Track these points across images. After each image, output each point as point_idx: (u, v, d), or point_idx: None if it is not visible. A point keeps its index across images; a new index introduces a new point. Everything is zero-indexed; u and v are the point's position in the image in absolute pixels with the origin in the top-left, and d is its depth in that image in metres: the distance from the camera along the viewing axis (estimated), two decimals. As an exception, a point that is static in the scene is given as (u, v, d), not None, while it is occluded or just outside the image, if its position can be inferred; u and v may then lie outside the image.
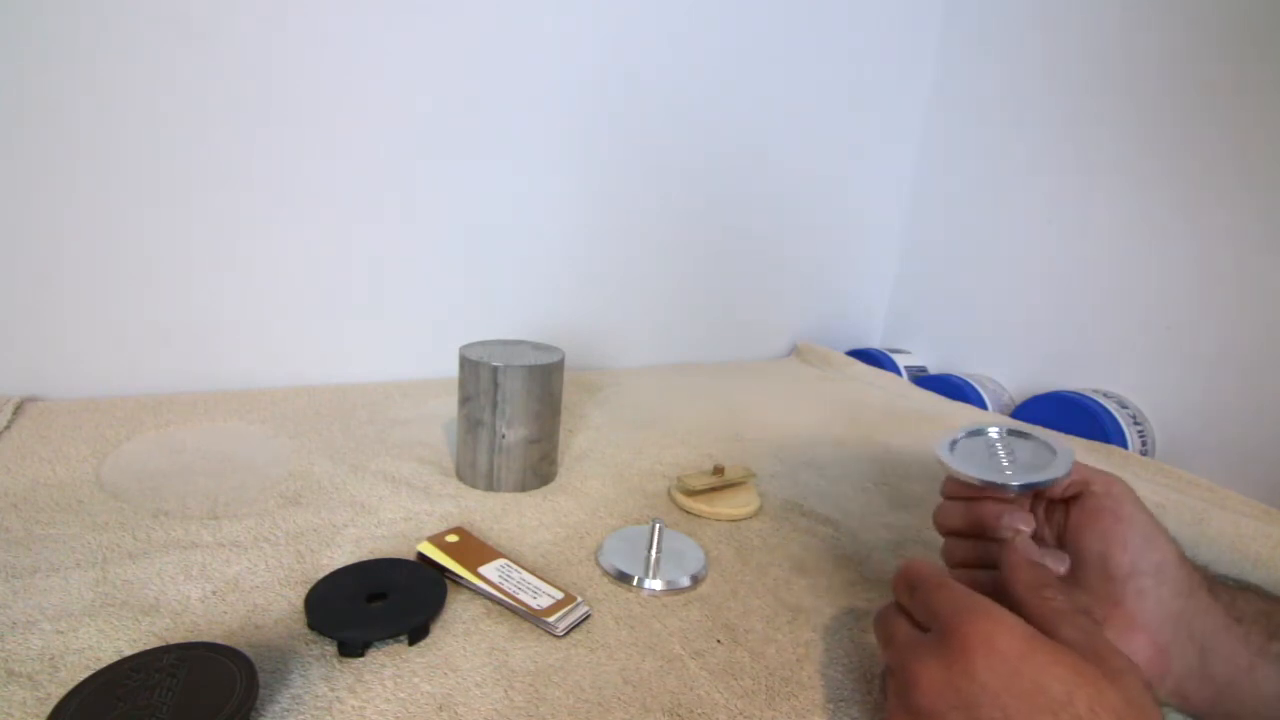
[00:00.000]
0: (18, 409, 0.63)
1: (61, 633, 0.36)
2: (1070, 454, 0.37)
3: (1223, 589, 0.36)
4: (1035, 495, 0.39)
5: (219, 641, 0.33)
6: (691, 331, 1.08)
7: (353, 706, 0.33)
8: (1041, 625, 0.29)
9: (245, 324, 0.76)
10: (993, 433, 0.41)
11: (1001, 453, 0.40)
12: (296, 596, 0.41)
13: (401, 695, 0.34)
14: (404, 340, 0.85)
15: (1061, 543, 0.38)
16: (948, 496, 0.41)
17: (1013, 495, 0.37)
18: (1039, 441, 0.40)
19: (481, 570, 0.43)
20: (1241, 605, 0.35)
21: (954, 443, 0.41)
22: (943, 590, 0.31)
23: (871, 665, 0.40)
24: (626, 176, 0.94)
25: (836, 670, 0.39)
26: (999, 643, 0.27)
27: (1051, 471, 0.36)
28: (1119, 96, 0.90)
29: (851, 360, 1.11)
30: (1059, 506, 0.38)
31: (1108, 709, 0.25)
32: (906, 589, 0.33)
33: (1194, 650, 0.34)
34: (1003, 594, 0.32)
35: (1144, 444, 0.84)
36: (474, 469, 0.57)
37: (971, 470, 0.38)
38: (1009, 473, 0.37)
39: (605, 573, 0.47)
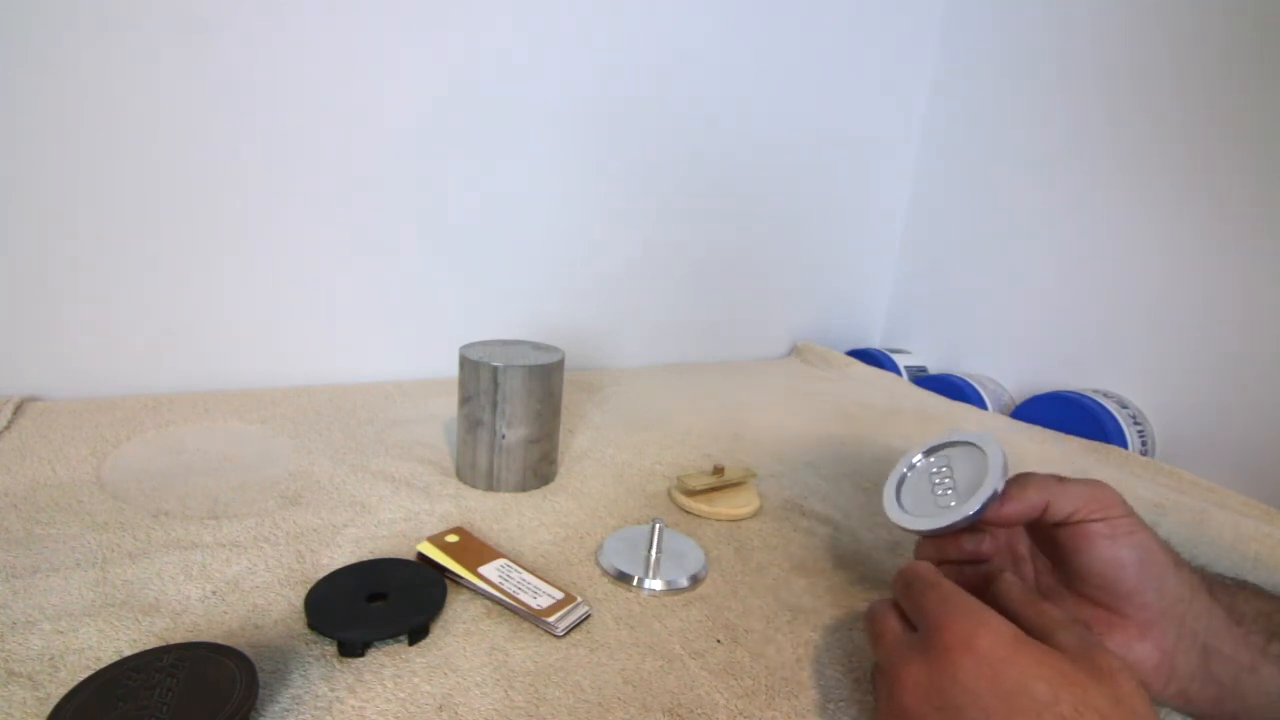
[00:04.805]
0: (18, 409, 0.63)
1: (61, 633, 0.36)
2: (999, 457, 0.37)
3: (1222, 589, 0.35)
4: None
5: (219, 641, 0.33)
6: (691, 331, 1.08)
7: (353, 706, 0.33)
8: (1037, 633, 0.29)
9: (245, 324, 0.76)
10: (919, 461, 0.41)
11: (938, 481, 0.39)
12: (296, 596, 0.41)
13: (401, 695, 0.34)
14: (404, 340, 0.85)
15: (1055, 561, 0.38)
16: (919, 554, 0.41)
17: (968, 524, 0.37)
18: (965, 446, 0.39)
19: (481, 570, 0.43)
20: (1242, 606, 0.35)
21: (899, 486, 0.41)
22: (933, 590, 0.31)
23: (871, 665, 0.40)
24: (627, 176, 0.94)
25: (836, 670, 0.39)
26: (981, 644, 0.27)
27: (989, 484, 0.36)
28: (1120, 97, 0.90)
29: (851, 360, 1.11)
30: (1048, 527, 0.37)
31: (1093, 709, 0.25)
32: (903, 587, 0.33)
33: (1196, 653, 0.34)
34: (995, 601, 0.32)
35: (1144, 444, 0.84)
36: (474, 469, 0.57)
37: (921, 523, 0.38)
38: (953, 504, 0.37)
39: (605, 573, 0.47)
